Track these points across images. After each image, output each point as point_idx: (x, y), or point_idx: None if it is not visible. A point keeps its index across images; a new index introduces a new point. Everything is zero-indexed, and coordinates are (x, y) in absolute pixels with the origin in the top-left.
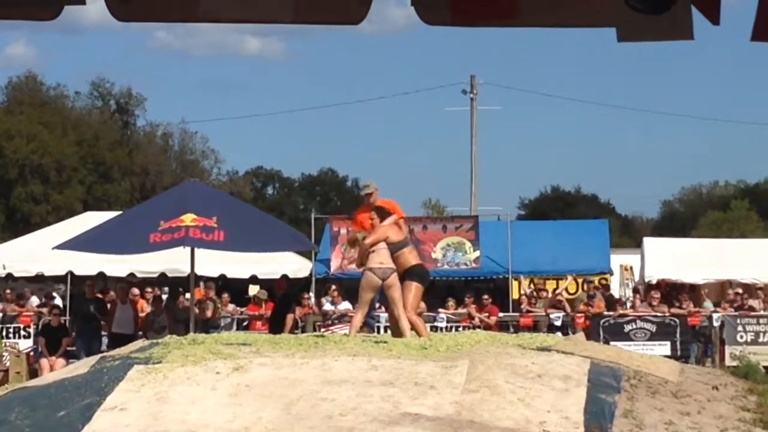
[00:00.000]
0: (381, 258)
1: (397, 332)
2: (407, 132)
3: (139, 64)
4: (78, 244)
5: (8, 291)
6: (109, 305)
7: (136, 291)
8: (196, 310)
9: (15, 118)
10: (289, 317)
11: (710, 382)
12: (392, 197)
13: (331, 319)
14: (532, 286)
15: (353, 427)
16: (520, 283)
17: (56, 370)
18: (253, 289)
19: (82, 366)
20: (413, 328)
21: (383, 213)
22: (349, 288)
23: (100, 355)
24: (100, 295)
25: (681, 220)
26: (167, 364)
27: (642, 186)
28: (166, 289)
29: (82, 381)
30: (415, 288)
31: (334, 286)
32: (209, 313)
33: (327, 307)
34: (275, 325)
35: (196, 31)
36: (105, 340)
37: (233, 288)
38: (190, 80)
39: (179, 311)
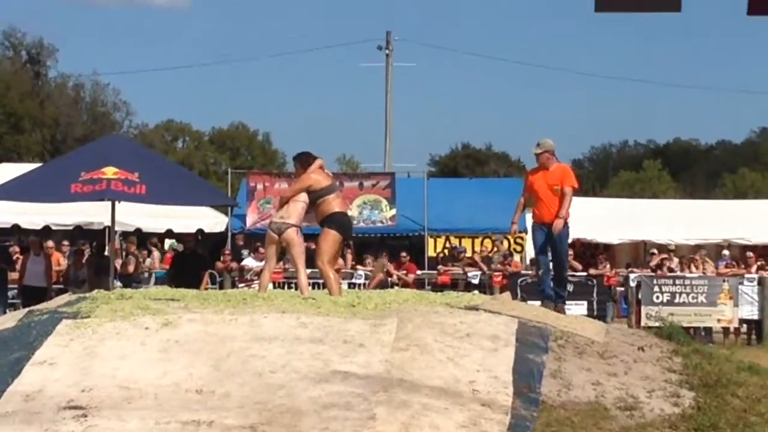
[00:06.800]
0: (283, 212)
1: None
2: (321, 87)
3: (49, 15)
4: None
5: None
6: (20, 258)
7: (50, 243)
8: (117, 265)
9: None
10: (204, 273)
11: (635, 343)
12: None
13: (250, 275)
14: (448, 244)
15: (283, 384)
16: (435, 241)
17: None
18: (169, 243)
19: (9, 320)
20: (325, 281)
21: (306, 163)
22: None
23: (27, 309)
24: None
25: (590, 179)
26: (96, 319)
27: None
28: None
29: (10, 335)
30: (332, 236)
31: (259, 243)
32: (131, 268)
33: (247, 262)
34: (179, 281)
35: None
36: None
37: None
38: (100, 32)
39: (103, 265)
